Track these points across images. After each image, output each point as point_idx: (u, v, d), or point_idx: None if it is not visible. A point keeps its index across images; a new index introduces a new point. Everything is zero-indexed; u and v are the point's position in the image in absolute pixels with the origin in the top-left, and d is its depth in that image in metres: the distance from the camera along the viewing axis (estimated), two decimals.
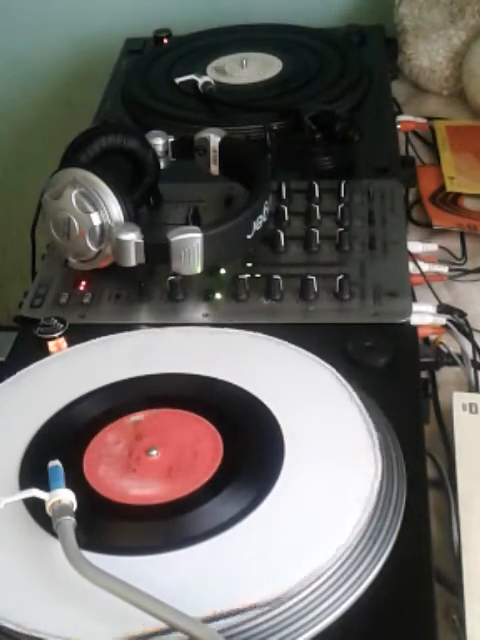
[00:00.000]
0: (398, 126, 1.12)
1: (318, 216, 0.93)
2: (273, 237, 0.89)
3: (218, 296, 0.84)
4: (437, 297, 0.87)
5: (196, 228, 0.81)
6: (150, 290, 0.85)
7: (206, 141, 0.94)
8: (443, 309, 0.84)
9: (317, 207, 0.93)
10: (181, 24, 1.34)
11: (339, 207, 0.92)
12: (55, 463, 0.61)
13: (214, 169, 0.95)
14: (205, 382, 0.71)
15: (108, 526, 0.61)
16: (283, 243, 0.89)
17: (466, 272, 0.92)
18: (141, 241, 0.81)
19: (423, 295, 0.87)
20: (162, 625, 0.52)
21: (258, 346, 0.75)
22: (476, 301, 0.89)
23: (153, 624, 0.52)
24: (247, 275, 0.84)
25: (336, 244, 0.89)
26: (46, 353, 0.77)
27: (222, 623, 0.53)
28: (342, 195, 0.95)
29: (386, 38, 1.32)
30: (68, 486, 0.59)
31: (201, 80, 1.12)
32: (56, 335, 0.78)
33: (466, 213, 1.01)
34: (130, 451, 0.65)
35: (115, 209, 0.82)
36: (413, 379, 0.74)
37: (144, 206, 0.94)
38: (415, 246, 0.91)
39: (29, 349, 0.78)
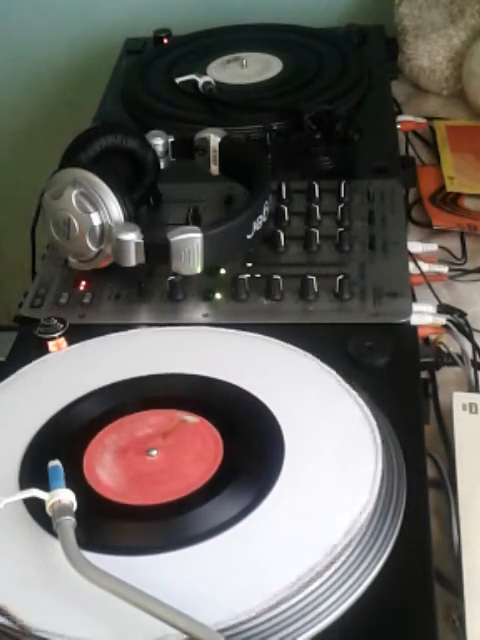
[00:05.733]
0: (398, 126, 1.12)
1: (318, 216, 0.93)
2: (273, 237, 0.89)
3: (218, 296, 0.84)
4: (437, 297, 0.87)
5: (196, 228, 0.81)
6: (150, 290, 0.85)
7: (206, 141, 0.94)
8: (443, 309, 0.84)
9: (317, 207, 0.93)
10: (181, 24, 1.34)
11: (339, 207, 0.92)
12: (55, 463, 0.61)
13: (214, 169, 0.95)
14: (205, 382, 0.71)
15: (108, 526, 0.61)
16: (283, 243, 0.89)
17: (466, 272, 0.92)
18: (141, 241, 0.81)
19: (423, 295, 0.87)
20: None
21: (258, 346, 0.75)
22: (476, 301, 0.89)
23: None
24: (247, 275, 0.84)
25: (336, 244, 0.89)
26: (46, 353, 0.77)
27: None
28: (342, 195, 0.95)
29: (386, 38, 1.32)
30: (68, 486, 0.59)
31: (201, 80, 1.12)
32: (56, 335, 0.78)
33: (466, 213, 1.01)
34: (136, 446, 0.65)
35: (115, 209, 0.82)
36: (413, 379, 0.74)
37: (144, 206, 0.94)
38: (415, 246, 0.91)
39: (29, 349, 0.78)
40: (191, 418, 0.68)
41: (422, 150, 1.14)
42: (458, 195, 1.04)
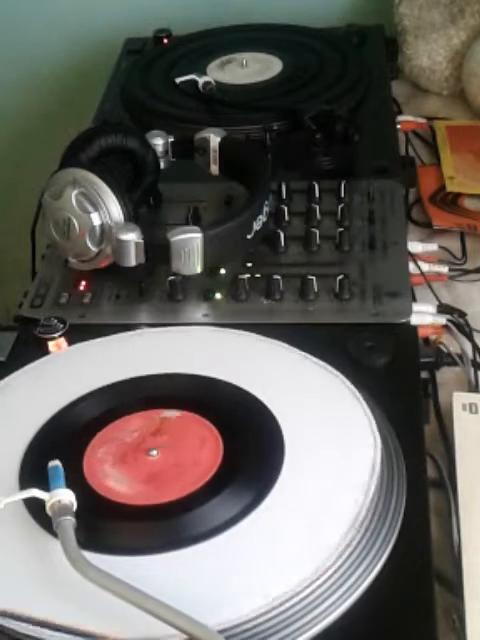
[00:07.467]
0: (398, 126, 1.12)
1: (318, 216, 0.93)
2: (273, 237, 0.89)
3: (218, 296, 0.84)
4: (437, 297, 0.87)
5: (196, 228, 0.81)
6: (150, 290, 0.85)
7: (206, 141, 0.94)
8: (443, 309, 0.84)
9: (317, 207, 0.93)
10: (181, 24, 1.34)
11: (339, 207, 0.92)
12: (55, 463, 0.61)
13: (214, 169, 0.95)
14: (205, 382, 0.71)
15: (108, 526, 0.61)
16: (283, 243, 0.89)
17: (466, 272, 0.92)
18: (141, 241, 0.81)
19: (423, 295, 0.87)
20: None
21: (259, 346, 0.75)
22: (476, 301, 0.89)
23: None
24: (247, 275, 0.84)
25: (336, 244, 0.89)
26: (46, 353, 0.77)
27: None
28: (342, 195, 0.95)
29: (386, 38, 1.32)
30: (68, 486, 0.59)
31: (201, 80, 1.12)
32: (56, 335, 0.78)
33: (466, 213, 1.01)
34: (135, 446, 0.65)
35: (115, 209, 0.82)
36: (413, 379, 0.74)
37: (144, 206, 0.94)
38: (415, 246, 0.91)
39: (29, 349, 0.78)
40: (171, 413, 0.68)
41: (422, 150, 1.14)
42: (458, 195, 1.04)
